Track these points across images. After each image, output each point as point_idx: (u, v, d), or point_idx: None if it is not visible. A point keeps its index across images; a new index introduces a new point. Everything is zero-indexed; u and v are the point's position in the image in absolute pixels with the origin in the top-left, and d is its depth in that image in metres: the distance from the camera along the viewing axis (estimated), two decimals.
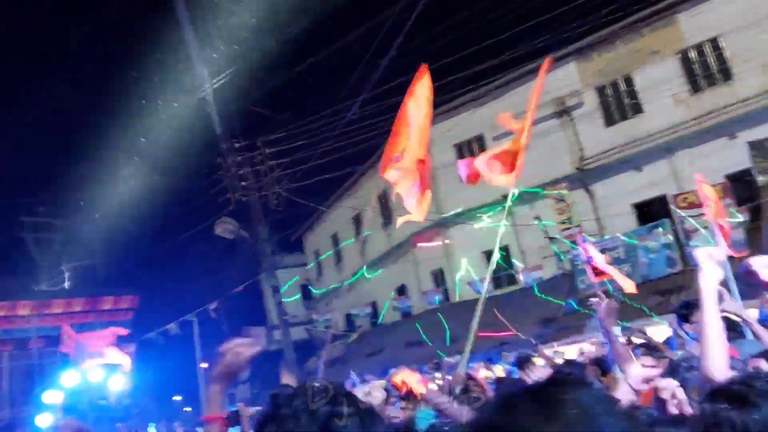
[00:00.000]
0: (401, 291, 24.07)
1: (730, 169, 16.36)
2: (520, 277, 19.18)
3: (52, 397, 13.96)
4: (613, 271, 7.35)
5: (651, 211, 17.96)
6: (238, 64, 15.34)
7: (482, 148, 21.50)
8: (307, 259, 32.13)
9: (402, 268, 23.87)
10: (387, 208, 24.77)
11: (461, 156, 21.93)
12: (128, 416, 13.53)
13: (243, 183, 16.97)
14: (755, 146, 13.13)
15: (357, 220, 26.96)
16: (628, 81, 19.04)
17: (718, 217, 5.90)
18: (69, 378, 14.36)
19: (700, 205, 14.66)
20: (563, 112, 19.96)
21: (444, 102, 21.59)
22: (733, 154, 16.47)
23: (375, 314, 25.22)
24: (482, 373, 10.32)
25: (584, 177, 19.38)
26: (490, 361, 11.43)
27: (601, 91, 19.57)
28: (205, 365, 26.06)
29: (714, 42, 17.53)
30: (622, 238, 15.87)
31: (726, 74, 17.45)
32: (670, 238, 14.92)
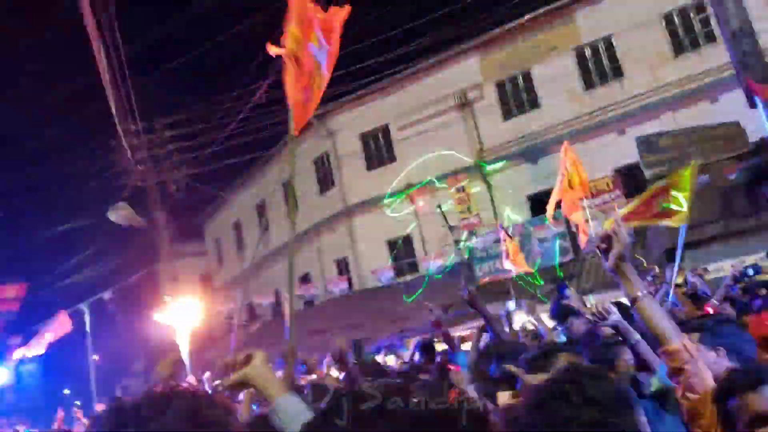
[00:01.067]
0: (305, 279, 23.93)
1: (619, 163, 17.36)
2: (422, 265, 19.54)
3: None
4: (521, 260, 7.75)
5: (544, 203, 18.69)
6: (139, 40, 14.67)
7: (387, 138, 21.73)
8: (206, 248, 31.32)
9: (306, 256, 23.72)
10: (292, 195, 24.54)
11: (366, 146, 22.08)
12: (13, 412, 12.77)
13: (140, 167, 16.29)
14: (642, 141, 13.97)
15: (261, 208, 26.54)
16: (527, 76, 19.75)
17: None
18: None
19: (592, 196, 15.56)
20: (464, 104, 20.45)
21: (349, 92, 21.64)
22: (622, 149, 17.46)
23: (278, 303, 24.96)
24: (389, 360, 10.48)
25: (482, 168, 19.94)
26: (392, 347, 11.61)
27: (500, 85, 20.19)
28: (96, 357, 24.99)
29: (607, 40, 18.48)
30: (520, 225, 16.52)
31: (617, 72, 18.46)
32: (562, 228, 15.64)
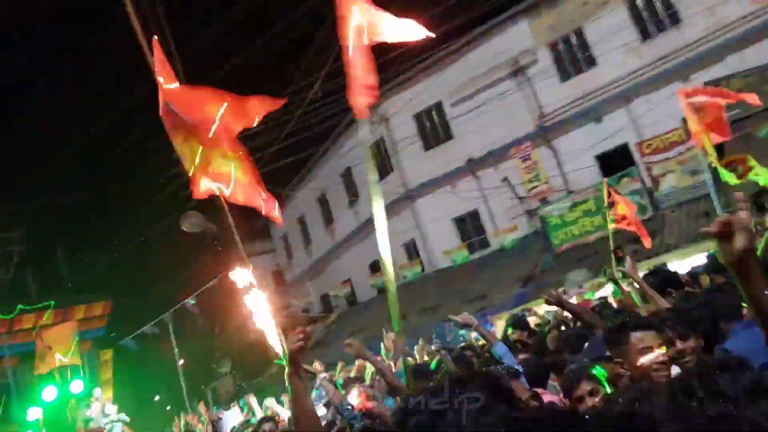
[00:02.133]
0: (374, 267, 23.97)
1: None
2: (493, 240, 19.24)
3: (33, 413, 13.55)
4: (634, 221, 7.40)
5: (614, 161, 18.10)
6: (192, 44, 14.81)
7: (441, 116, 21.44)
8: (274, 245, 31.77)
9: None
10: (352, 185, 24.57)
11: (422, 126, 21.84)
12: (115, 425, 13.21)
13: None
14: (710, 85, 13.26)
15: (323, 201, 26.71)
16: (580, 34, 19.07)
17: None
18: (48, 393, 13.97)
19: (664, 150, 14.95)
20: (518, 71, 19.93)
21: (398, 74, 21.41)
22: None
23: (352, 293, 25.15)
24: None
25: (545, 134, 19.44)
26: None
27: (553, 46, 19.57)
28: (182, 362, 25.73)
29: None
30: (593, 188, 16.00)
31: (674, 18, 17.60)
32: (639, 185, 15.07)
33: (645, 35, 18.07)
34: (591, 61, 18.96)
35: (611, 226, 7.95)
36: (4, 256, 19.07)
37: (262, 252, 30.33)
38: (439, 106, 21.37)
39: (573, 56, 19.34)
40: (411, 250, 22.29)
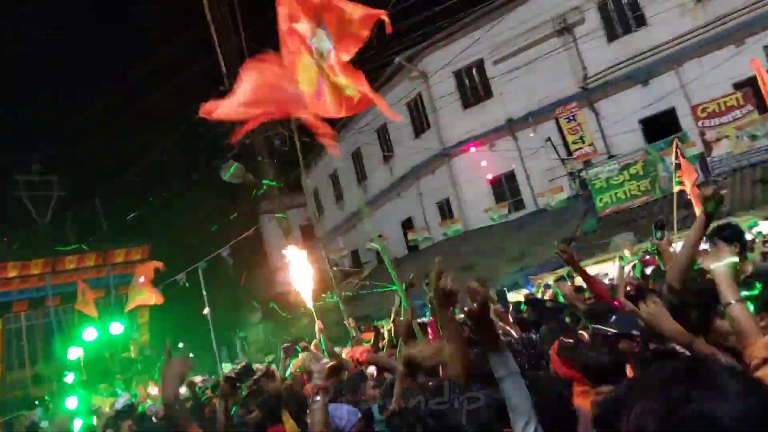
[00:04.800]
0: (407, 224, 23.93)
1: (741, 77, 16.04)
2: (535, 201, 18.99)
3: (74, 353, 13.86)
4: (691, 189, 7.19)
5: (659, 126, 17.67)
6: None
7: (482, 74, 21.03)
8: (305, 200, 31.81)
9: (406, 201, 23.65)
10: (387, 141, 24.38)
11: (461, 84, 21.46)
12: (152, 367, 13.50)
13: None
14: None
15: (356, 156, 26.56)
16: None
17: None
18: (89, 333, 14.25)
19: (720, 115, 14.51)
20: (564, 30, 19.38)
21: (439, 29, 20.98)
22: (743, 61, 16.10)
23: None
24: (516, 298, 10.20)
25: (589, 96, 18.99)
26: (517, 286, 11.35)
27: (602, 5, 18.97)
28: (207, 310, 26.15)
29: None
30: (643, 151, 15.66)
31: None
32: (692, 150, 14.66)
33: None
34: (641, 22, 18.35)
35: (676, 188, 7.72)
36: (44, 199, 19.34)
37: (294, 206, 30.42)
38: (480, 64, 20.94)
39: (622, 15, 18.73)
40: (445, 209, 22.16)
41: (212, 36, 11.64)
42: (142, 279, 13.66)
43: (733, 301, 2.31)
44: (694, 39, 17.25)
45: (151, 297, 13.61)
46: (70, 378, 12.85)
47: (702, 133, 14.58)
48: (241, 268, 26.10)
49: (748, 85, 15.42)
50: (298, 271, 7.63)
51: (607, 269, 11.47)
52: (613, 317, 4.35)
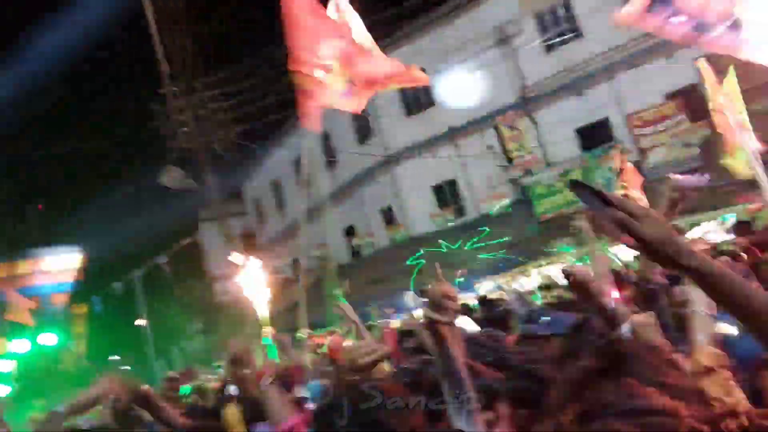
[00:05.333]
0: (350, 232, 23.90)
1: (672, 87, 16.77)
2: (478, 207, 19.29)
3: (4, 366, 13.23)
4: (639, 193, 7.40)
5: (594, 135, 18.25)
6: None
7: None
8: (246, 208, 31.40)
9: (349, 207, 23.63)
10: (330, 148, 24.32)
11: (403, 91, 21.60)
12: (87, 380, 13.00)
13: (185, 129, 16.14)
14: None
15: (298, 164, 26.34)
16: (567, 5, 19.02)
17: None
18: (20, 345, 13.63)
19: (654, 123, 15.11)
20: (503, 40, 19.83)
21: (383, 36, 21.11)
22: (673, 73, 16.84)
23: (324, 258, 24.99)
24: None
25: (528, 105, 19.45)
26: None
27: (540, 17, 19.50)
28: (143, 322, 25.40)
29: None
30: (581, 159, 16.16)
31: None
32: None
33: None
34: (577, 33, 18.96)
35: (619, 193, 7.96)
36: None
37: (234, 215, 29.96)
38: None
39: (559, 28, 19.31)
40: (388, 216, 22.25)
41: (153, 39, 11.37)
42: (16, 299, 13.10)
43: (701, 310, 2.22)
44: (627, 51, 17.92)
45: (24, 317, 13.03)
46: (2, 392, 12.24)
47: (637, 141, 15.14)
48: (179, 277, 25.53)
49: (680, 95, 16.14)
50: (250, 278, 7.48)
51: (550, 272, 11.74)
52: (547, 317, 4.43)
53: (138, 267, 21.15)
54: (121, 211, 26.78)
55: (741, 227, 7.87)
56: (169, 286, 25.14)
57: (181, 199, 24.75)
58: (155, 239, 24.30)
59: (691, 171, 13.29)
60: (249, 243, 29.48)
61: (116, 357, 32.98)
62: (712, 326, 2.26)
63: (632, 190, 7.79)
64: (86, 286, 18.52)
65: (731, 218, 9.47)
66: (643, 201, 8.05)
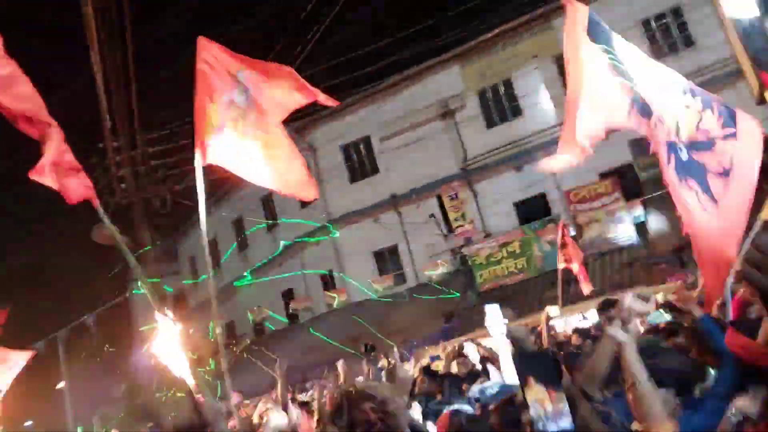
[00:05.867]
0: (288, 295, 23.49)
1: (606, 167, 17.53)
2: (419, 275, 19.34)
3: None
4: (579, 267, 7.58)
5: (531, 209, 18.79)
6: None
7: (369, 150, 21.59)
8: (180, 267, 30.54)
9: (288, 271, 23.30)
10: (271, 210, 24.16)
11: (348, 158, 21.89)
12: None
13: (122, 185, 15.75)
14: (635, 145, 14.14)
15: (238, 224, 26.02)
16: (508, 84, 19.86)
17: None
18: None
19: (590, 200, 15.68)
20: (446, 114, 20.44)
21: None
22: (607, 153, 17.63)
23: (260, 323, 24.42)
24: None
25: (468, 177, 19.92)
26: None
27: (482, 94, 20.25)
28: (62, 385, 23.93)
29: None
30: (520, 230, 16.54)
31: None
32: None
33: None
34: (517, 111, 19.74)
35: (561, 266, 8.18)
36: None
37: (167, 274, 29.06)
38: (367, 140, 21.54)
39: (500, 105, 20.07)
40: (328, 280, 22.03)
41: (97, 87, 11.23)
42: None
43: (642, 380, 2.23)
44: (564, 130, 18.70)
45: None
46: None
47: (574, 216, 15.66)
48: (105, 338, 24.37)
49: (614, 174, 16.87)
50: (171, 342, 7.15)
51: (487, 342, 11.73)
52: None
53: (64, 326, 20.12)
54: (48, 267, 25.64)
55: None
56: (94, 347, 23.94)
57: (113, 256, 23.92)
58: (84, 298, 23.30)
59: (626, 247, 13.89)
60: (181, 304, 28.57)
61: (30, 422, 30.85)
62: None
63: (573, 264, 8.01)
64: (5, 343, 17.39)
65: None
66: (583, 273, 8.28)
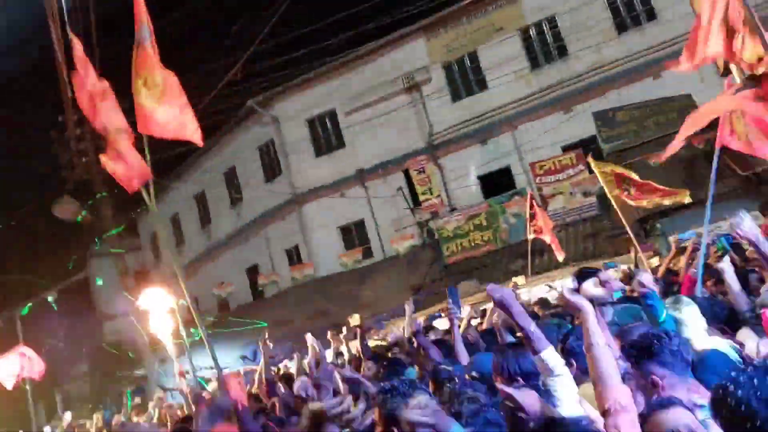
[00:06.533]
0: (253, 271, 23.34)
1: (568, 140, 17.77)
2: (386, 249, 19.38)
3: None
4: (551, 237, 7.68)
5: (496, 183, 18.93)
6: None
7: (335, 123, 21.42)
8: (142, 242, 30.03)
9: (253, 247, 23.12)
10: (235, 185, 23.87)
11: (313, 131, 21.68)
12: None
13: (84, 159, 15.35)
14: (600, 116, 14.32)
15: (201, 199, 25.65)
16: (474, 57, 19.84)
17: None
18: None
19: (555, 172, 15.86)
20: (412, 87, 20.35)
21: (294, 76, 21.18)
22: (570, 126, 17.89)
23: (225, 298, 24.24)
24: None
25: (434, 151, 19.95)
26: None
27: (448, 67, 20.20)
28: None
29: (551, 21, 18.80)
30: (486, 204, 16.69)
31: (562, 51, 18.82)
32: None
33: (534, 64, 19.15)
34: (482, 85, 19.76)
35: (530, 236, 8.30)
36: None
37: (128, 249, 28.53)
38: (333, 114, 21.33)
39: (465, 78, 20.06)
40: (293, 256, 21.92)
41: (57, 57, 10.80)
42: None
43: (600, 344, 2.27)
44: (529, 104, 18.88)
45: None
46: None
47: (539, 189, 15.84)
48: (66, 314, 23.90)
49: (578, 147, 17.07)
50: (156, 312, 7.12)
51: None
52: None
53: (23, 302, 19.66)
54: (7, 242, 24.93)
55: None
56: (55, 325, 23.47)
57: (74, 232, 23.43)
58: (44, 273, 22.74)
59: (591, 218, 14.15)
60: (143, 280, 28.14)
61: None
62: None
63: (545, 234, 8.13)
64: None
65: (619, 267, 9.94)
66: (555, 242, 8.40)
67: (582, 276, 4.80)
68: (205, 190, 25.04)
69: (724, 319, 4.19)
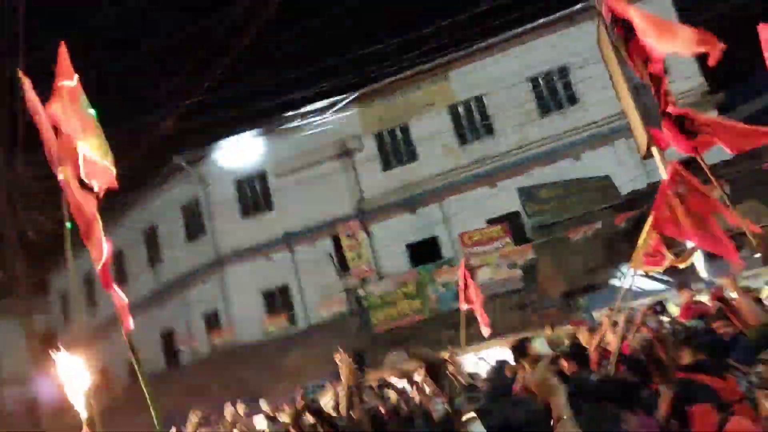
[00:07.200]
0: (168, 336, 22.29)
1: (493, 213, 18.21)
2: (311, 316, 18.96)
3: None
4: (480, 310, 7.64)
5: (423, 252, 19.09)
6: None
7: (264, 185, 21.21)
8: (51, 303, 28.30)
9: (170, 310, 22.14)
10: (155, 244, 23.03)
11: (242, 192, 21.35)
12: None
13: None
14: (524, 192, 14.77)
15: (118, 257, 24.51)
16: (405, 129, 20.29)
17: None
18: None
19: (483, 244, 16.10)
20: (344, 154, 20.52)
21: (224, 136, 20.97)
22: (494, 200, 18.41)
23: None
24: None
25: (363, 217, 19.98)
26: None
27: (379, 137, 20.53)
28: None
29: (479, 100, 19.57)
30: (415, 272, 16.69)
31: (489, 129, 19.54)
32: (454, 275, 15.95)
33: (462, 139, 19.75)
34: (412, 156, 20.15)
35: (464, 307, 8.28)
36: None
37: (35, 311, 26.78)
38: (263, 175, 21.13)
39: (396, 148, 20.42)
40: (212, 320, 21.09)
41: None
42: None
43: (567, 417, 2.34)
44: (456, 177, 19.35)
45: None
46: None
47: (467, 259, 15.95)
48: None
49: (502, 221, 17.49)
50: (70, 374, 6.53)
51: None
52: None
53: None
54: None
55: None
56: None
57: None
58: None
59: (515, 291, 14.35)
60: (50, 343, 26.37)
61: None
62: None
63: (476, 306, 8.12)
64: None
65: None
66: (484, 318, 8.39)
67: (518, 349, 4.77)
68: (122, 248, 24.03)
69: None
